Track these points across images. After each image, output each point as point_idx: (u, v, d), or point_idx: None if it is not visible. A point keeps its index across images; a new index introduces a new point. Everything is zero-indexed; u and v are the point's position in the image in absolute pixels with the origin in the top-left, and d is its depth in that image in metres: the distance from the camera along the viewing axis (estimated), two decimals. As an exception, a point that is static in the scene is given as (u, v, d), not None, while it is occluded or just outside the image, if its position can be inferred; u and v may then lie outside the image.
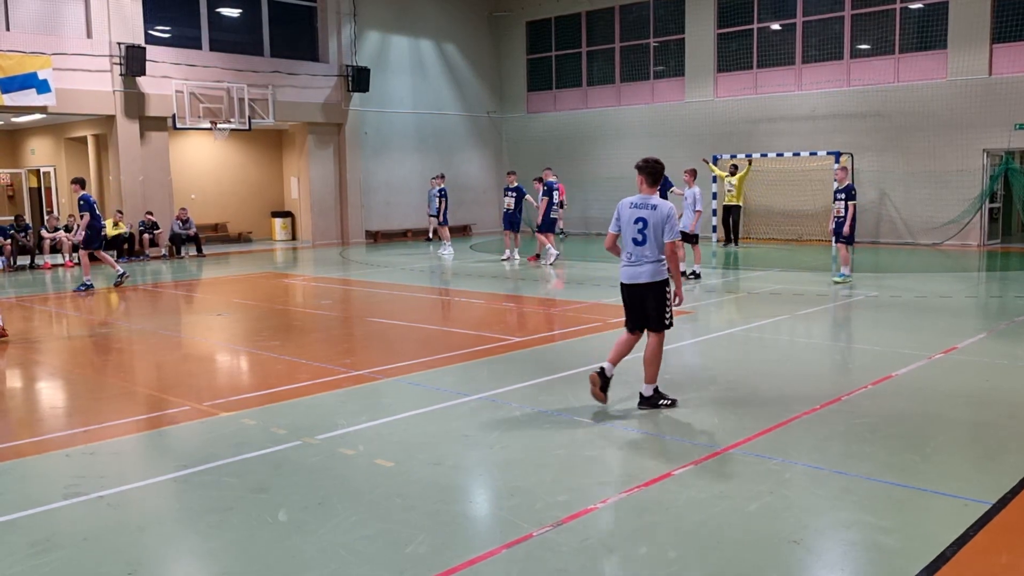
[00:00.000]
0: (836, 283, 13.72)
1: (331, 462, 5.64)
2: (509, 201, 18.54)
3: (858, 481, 5.14)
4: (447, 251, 20.57)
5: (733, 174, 21.78)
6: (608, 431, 6.23)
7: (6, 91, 18.34)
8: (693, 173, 14.84)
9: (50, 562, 4.24)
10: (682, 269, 14.24)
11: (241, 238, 25.55)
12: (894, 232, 21.52)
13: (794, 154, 22.27)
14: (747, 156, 22.51)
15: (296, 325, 11.62)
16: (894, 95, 21.32)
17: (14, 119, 22.05)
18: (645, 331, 6.81)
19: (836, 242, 13.85)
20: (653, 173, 6.63)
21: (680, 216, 14.79)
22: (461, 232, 27.69)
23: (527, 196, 18.94)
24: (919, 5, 21.19)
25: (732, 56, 24.27)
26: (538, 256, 18.37)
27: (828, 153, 21.66)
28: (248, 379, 8.61)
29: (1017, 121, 19.62)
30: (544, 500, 4.88)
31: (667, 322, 6.68)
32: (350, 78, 24.70)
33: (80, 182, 15.26)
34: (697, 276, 14.59)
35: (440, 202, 21.01)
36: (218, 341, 10.65)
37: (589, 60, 27.60)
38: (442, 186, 21.36)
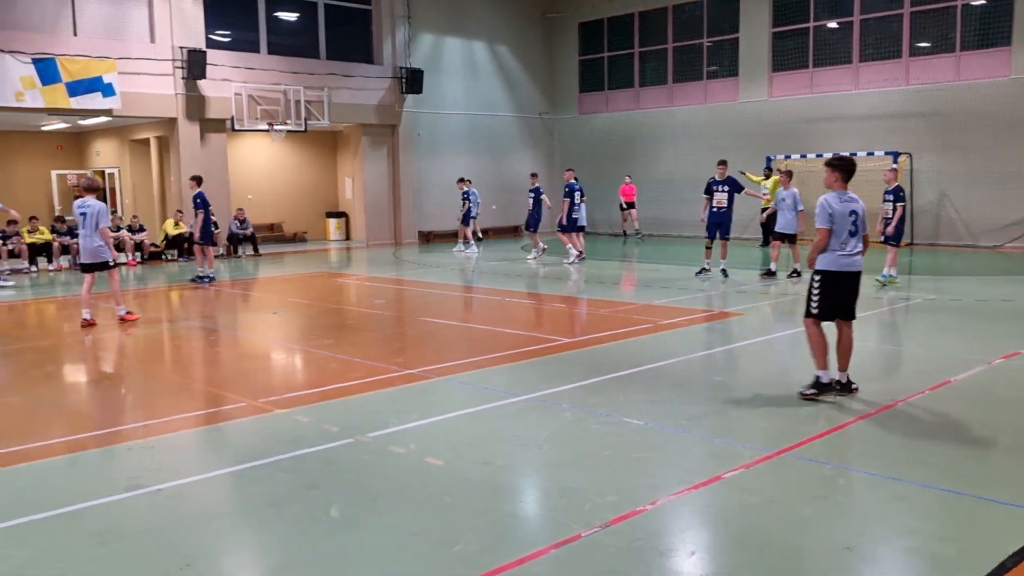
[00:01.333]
0: (879, 283, 13.46)
1: (382, 460, 5.71)
2: (530, 202, 19.36)
3: (914, 488, 5.04)
4: (470, 250, 21.46)
5: (767, 177, 21.45)
6: (657, 432, 6.20)
7: (73, 95, 18.89)
8: (789, 174, 14.70)
9: (112, 552, 4.37)
10: (770, 267, 14.36)
11: (296, 238, 25.94)
12: (954, 234, 21.00)
13: (851, 154, 21.83)
14: (802, 156, 22.15)
15: (349, 324, 11.77)
16: (954, 94, 20.79)
17: (81, 122, 22.71)
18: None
19: (884, 243, 13.66)
20: (849, 170, 7.17)
21: (770, 216, 14.90)
22: (512, 233, 27.74)
23: (543, 196, 19.40)
24: (981, 1, 20.65)
25: (787, 55, 23.91)
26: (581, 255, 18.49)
27: (886, 153, 21.21)
28: (302, 377, 8.75)
29: (1086, 120, 19.01)
30: (593, 501, 4.88)
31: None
32: (404, 80, 24.92)
33: (197, 180, 16.37)
34: (798, 274, 14.47)
35: (464, 204, 22.00)
36: (273, 339, 10.84)
37: (641, 61, 27.44)
38: (470, 188, 22.29)
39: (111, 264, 11.45)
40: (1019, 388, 7.40)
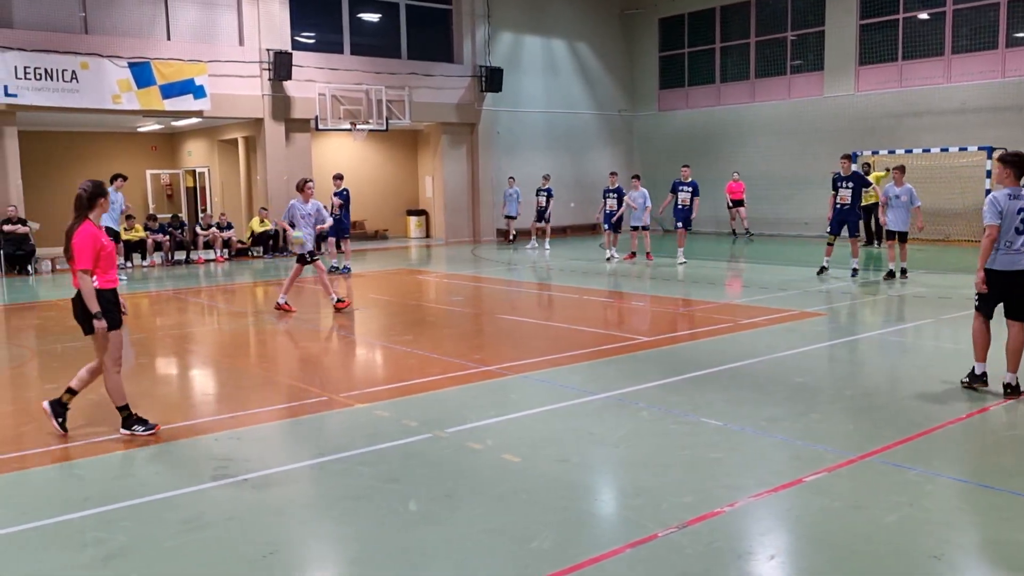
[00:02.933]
0: None
1: (459, 455, 5.77)
2: (611, 203, 18.71)
3: (1007, 497, 4.85)
4: (546, 249, 21.53)
5: (867, 174, 20.79)
6: (736, 433, 6.11)
7: (166, 97, 19.60)
8: (902, 169, 14.19)
9: (200, 539, 4.54)
10: (890, 268, 14.02)
11: (377, 235, 26.36)
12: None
13: (942, 150, 21.10)
14: (890, 152, 21.47)
15: (428, 320, 11.92)
16: (1056, 86, 19.88)
17: (173, 123, 23.54)
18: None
19: None
20: (1021, 166, 6.93)
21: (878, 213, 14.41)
22: (591, 231, 27.64)
23: (626, 197, 18.77)
24: (1087, -12, 19.69)
25: (875, 48, 23.20)
26: (634, 254, 18.38)
27: (979, 148, 20.41)
28: (382, 372, 8.90)
29: None
30: (669, 501, 4.85)
31: None
32: (483, 78, 25.07)
33: (340, 177, 18.03)
34: (899, 275, 14.05)
35: (546, 202, 22.26)
36: (355, 335, 11.05)
37: (723, 56, 27.01)
38: (548, 186, 22.50)
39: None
40: (1123, 394, 7.04)
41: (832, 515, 4.66)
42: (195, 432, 6.51)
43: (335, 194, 17.74)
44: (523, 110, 26.46)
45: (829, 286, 13.73)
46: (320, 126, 22.18)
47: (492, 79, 25.00)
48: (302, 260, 12.32)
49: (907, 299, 12.42)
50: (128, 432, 6.34)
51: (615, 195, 18.68)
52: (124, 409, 6.38)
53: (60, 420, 6.38)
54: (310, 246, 12.32)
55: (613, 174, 19.69)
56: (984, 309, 7.19)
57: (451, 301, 13.88)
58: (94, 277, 6.21)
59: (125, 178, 17.02)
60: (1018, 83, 20.46)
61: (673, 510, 4.71)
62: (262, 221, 21.56)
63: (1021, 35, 20.72)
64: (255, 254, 21.65)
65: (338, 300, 12.23)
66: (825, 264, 14.90)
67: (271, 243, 21.68)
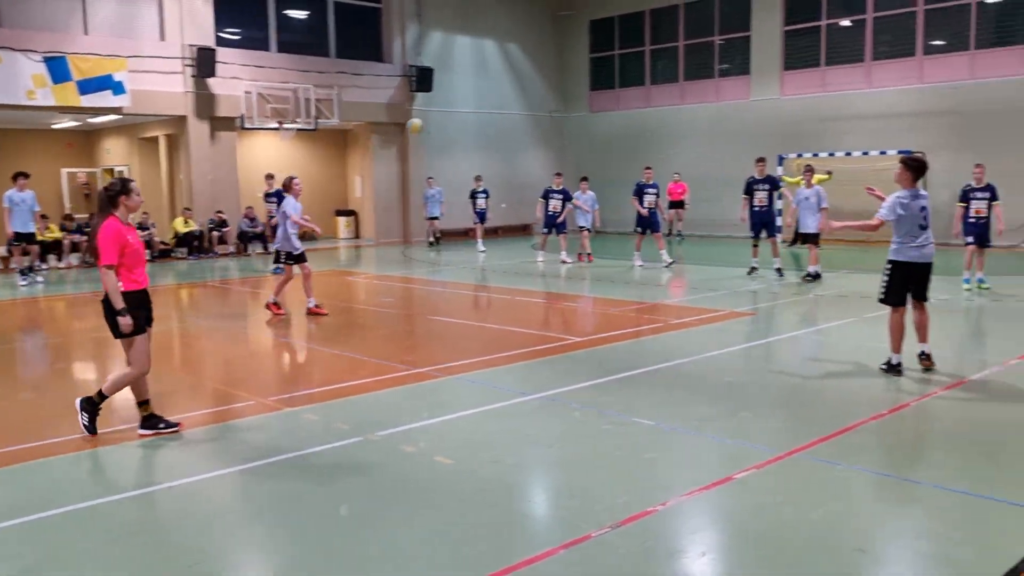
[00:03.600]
0: (985, 289, 12.87)
1: (391, 459, 5.70)
2: (555, 204, 18.38)
3: (928, 489, 5.00)
4: (482, 250, 21.42)
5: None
6: (668, 433, 6.17)
7: (84, 92, 18.94)
8: (811, 171, 14.49)
9: (124, 549, 4.37)
10: (810, 271, 14.19)
11: (306, 236, 25.90)
12: (968, 233, 20.86)
13: (863, 153, 21.74)
14: (814, 155, 22.02)
15: (358, 322, 11.77)
16: (970, 93, 20.65)
17: (91, 120, 22.76)
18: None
19: (980, 246, 12.83)
20: (921, 169, 7.69)
21: (793, 215, 14.66)
22: (521, 232, 27.72)
23: (574, 200, 18.51)
24: (997, -1, 20.52)
25: (799, 53, 23.80)
26: (591, 255, 18.24)
27: (899, 152, 21.07)
28: (311, 375, 8.74)
29: (1101, 119, 18.85)
30: (603, 501, 4.86)
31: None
32: (414, 78, 24.91)
33: (273, 176, 18.18)
34: (817, 277, 14.25)
35: (485, 203, 22.19)
36: (282, 337, 10.84)
37: (653, 58, 27.37)
38: (483, 187, 22.43)
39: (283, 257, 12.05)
40: (1034, 389, 7.33)
41: (761, 511, 4.72)
42: (118, 439, 6.29)
43: (268, 195, 17.52)
44: (454, 110, 26.38)
45: (757, 286, 14.01)
46: (246, 125, 21.72)
47: (423, 79, 24.86)
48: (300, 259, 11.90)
49: (831, 299, 12.74)
50: (151, 433, 6.24)
51: (560, 196, 18.39)
52: (99, 396, 6.26)
53: (162, 425, 6.32)
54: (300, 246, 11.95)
55: (558, 175, 19.42)
56: (894, 300, 7.75)
57: (381, 302, 13.74)
58: (119, 277, 6.14)
59: (27, 176, 15.75)
60: (934, 89, 21.22)
61: (607, 510, 4.72)
62: (186, 222, 21.03)
63: (938, 43, 21.48)
64: (179, 255, 21.10)
65: (275, 303, 11.85)
66: (754, 264, 15.21)
67: (196, 244, 21.16)
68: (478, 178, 22.70)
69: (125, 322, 6.11)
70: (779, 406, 6.96)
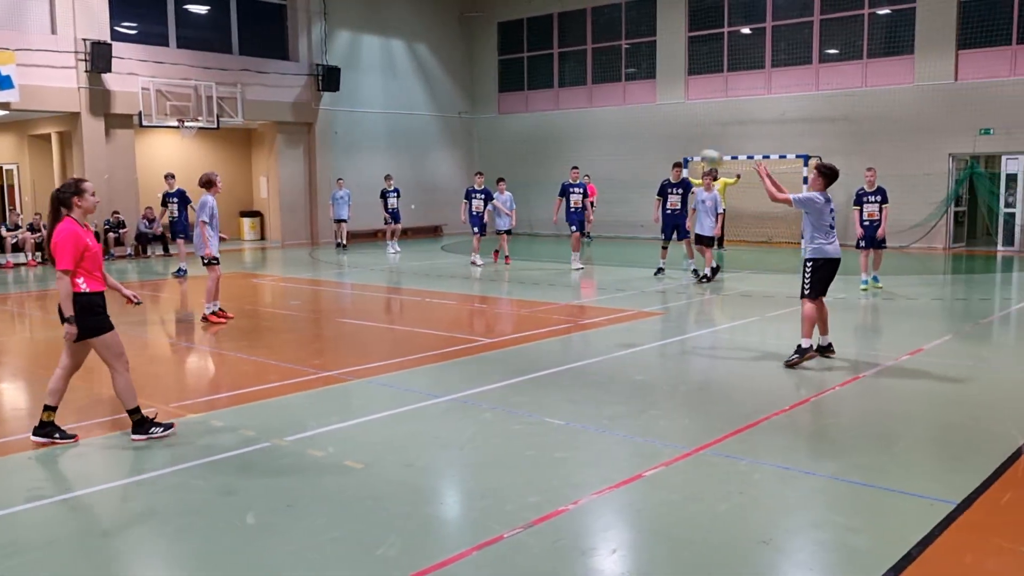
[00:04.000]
0: (879, 288, 13.41)
1: (301, 464, 5.59)
2: (477, 204, 18.05)
3: (827, 481, 5.18)
4: (396, 251, 21.29)
5: (715, 179, 21.65)
6: (579, 432, 6.22)
7: (-32, 87, 18.00)
8: (714, 175, 14.76)
9: (14, 567, 4.15)
10: (702, 271, 14.53)
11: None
12: (862, 235, 21.74)
13: (764, 156, 22.40)
14: (732, 158, 22.56)
15: (265, 326, 11.51)
16: (862, 99, 21.58)
17: (-24, 115, 21.67)
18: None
19: (873, 248, 13.36)
20: (833, 176, 8.38)
21: (692, 219, 14.89)
22: (432, 233, 27.63)
23: (494, 201, 18.16)
24: (887, 11, 21.47)
25: (703, 59, 24.43)
26: (506, 257, 18.05)
27: (797, 156, 21.86)
28: (217, 380, 8.50)
29: (982, 126, 19.93)
30: (515, 502, 4.86)
31: None
32: (320, 77, 24.54)
33: (174, 176, 17.62)
34: (710, 277, 14.51)
35: (396, 203, 21.90)
36: (185, 342, 10.52)
37: (561, 61, 27.65)
38: (395, 186, 22.11)
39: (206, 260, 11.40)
40: (923, 383, 7.68)
41: (670, 507, 4.81)
42: (6, 451, 5.99)
43: (168, 195, 17.20)
44: (362, 110, 26.11)
45: (665, 286, 14.29)
46: (144, 122, 21.01)
47: (329, 78, 24.52)
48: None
49: (735, 298, 13.09)
50: (144, 437, 6.09)
51: (482, 196, 18.06)
52: (135, 412, 6.15)
53: (58, 435, 6.07)
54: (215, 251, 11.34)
55: (479, 174, 19.02)
56: (817, 294, 8.37)
57: (289, 306, 13.47)
58: (81, 279, 5.91)
59: None
60: (830, 96, 22.07)
61: (519, 510, 4.73)
62: (81, 222, 20.17)
63: (833, 52, 22.35)
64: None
65: (218, 310, 11.29)
66: (661, 266, 15.51)
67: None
68: (388, 177, 22.40)
69: (71, 331, 5.91)
70: (687, 403, 7.12)
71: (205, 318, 11.19)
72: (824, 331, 8.54)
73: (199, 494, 5.07)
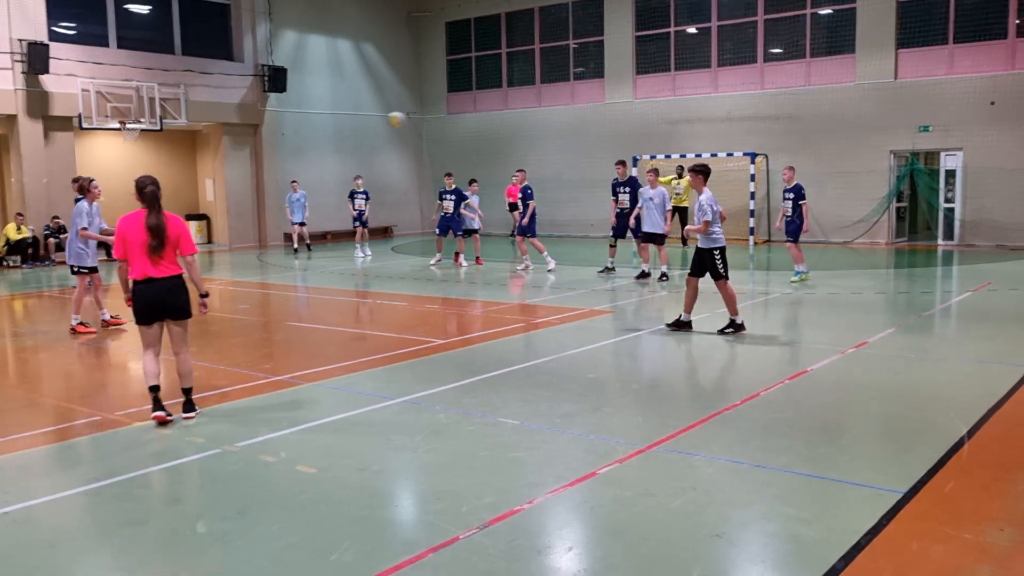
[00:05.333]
0: (794, 282, 13.81)
1: (252, 469, 5.50)
2: (448, 204, 17.81)
3: (777, 474, 5.25)
4: (367, 254, 20.57)
5: (680, 176, 21.74)
6: (533, 432, 6.23)
7: (-102, 89, 17.41)
8: (656, 172, 14.69)
9: (-50, 584, 4.02)
10: (648, 270, 14.65)
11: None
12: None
13: (711, 155, 22.69)
14: (666, 156, 22.83)
15: (213, 330, 11.31)
16: (805, 98, 21.95)
17: (-93, 118, 20.97)
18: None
19: (792, 241, 14.02)
20: (708, 173, 9.94)
21: (637, 216, 14.71)
22: (383, 234, 27.46)
23: (468, 200, 17.99)
24: (828, 11, 21.87)
25: (650, 58, 24.64)
26: (459, 255, 17.83)
27: (744, 154, 22.17)
28: (163, 386, 8.33)
29: (921, 123, 20.42)
30: (470, 503, 4.85)
31: None
32: (266, 78, 24.24)
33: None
34: (666, 275, 14.56)
35: (365, 204, 20.97)
36: (130, 348, 10.29)
37: (509, 61, 27.68)
38: (364, 188, 21.22)
39: (75, 269, 11.01)
40: (868, 376, 7.84)
41: (624, 504, 4.84)
42: (-58, 464, 5.79)
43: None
44: (309, 111, 25.85)
45: (614, 285, 14.37)
46: (84, 124, 20.54)
47: (275, 79, 24.23)
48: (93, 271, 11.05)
49: (682, 296, 13.20)
50: (195, 414, 6.67)
51: (452, 197, 17.81)
52: (191, 392, 6.74)
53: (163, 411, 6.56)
54: (91, 261, 10.96)
55: (449, 175, 18.61)
56: (727, 274, 9.82)
57: (237, 309, 13.27)
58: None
59: None
60: (774, 94, 22.41)
61: (474, 511, 4.72)
62: (19, 228, 19.67)
63: (777, 51, 22.70)
64: (12, 264, 19.71)
65: (79, 323, 10.88)
66: (609, 264, 15.59)
67: (30, 251, 19.82)
68: (357, 178, 21.52)
69: (207, 304, 6.91)
70: (639, 401, 7.17)
71: (73, 330, 10.82)
72: (733, 311, 9.84)
73: (145, 504, 4.97)
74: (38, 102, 19.94)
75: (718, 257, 9.74)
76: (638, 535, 4.43)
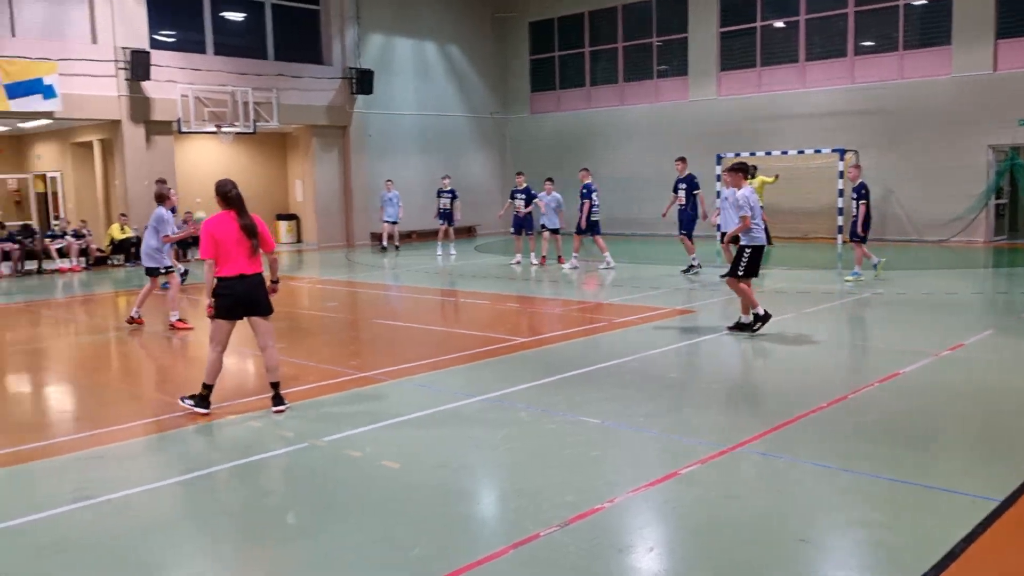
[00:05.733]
0: (848, 281, 13.65)
1: (338, 464, 5.65)
2: (519, 203, 17.96)
3: (865, 479, 5.13)
4: (452, 253, 20.87)
5: (753, 176, 21.46)
6: (614, 431, 6.22)
7: (12, 97, 18.38)
8: (742, 172, 14.63)
9: (60, 565, 4.26)
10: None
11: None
12: (900, 229, 21.42)
13: (798, 152, 22.22)
14: (751, 154, 22.40)
15: (303, 327, 11.63)
16: (898, 92, 21.26)
17: (20, 125, 22.13)
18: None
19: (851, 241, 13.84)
20: (747, 170, 10.01)
21: (703, 213, 15.33)
22: (466, 233, 27.71)
23: (536, 200, 17.97)
24: (923, 1, 21.13)
25: (735, 54, 24.23)
26: (545, 259, 17.84)
27: (832, 151, 21.61)
28: (254, 382, 8.61)
29: (1021, 116, 19.54)
30: (551, 500, 4.88)
31: None
32: (354, 80, 24.73)
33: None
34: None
35: (451, 204, 21.31)
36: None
37: (592, 60, 27.59)
38: (451, 187, 21.62)
39: (159, 271, 11.50)
40: (964, 379, 7.57)
41: (706, 505, 4.80)
42: (52, 452, 6.13)
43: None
44: (395, 113, 26.26)
45: (697, 284, 14.20)
46: (183, 129, 21.33)
47: (363, 81, 24.69)
48: (155, 273, 11.49)
49: (769, 295, 12.97)
50: (285, 408, 6.88)
51: (523, 196, 17.95)
52: (278, 386, 6.95)
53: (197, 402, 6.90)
54: (152, 261, 11.41)
55: (520, 174, 18.93)
56: (751, 274, 9.69)
57: (325, 307, 13.60)
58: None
59: None
60: (865, 89, 21.77)
61: (554, 509, 4.74)
62: (122, 228, 20.56)
63: (868, 44, 22.05)
64: (116, 263, 20.61)
65: (178, 319, 11.27)
66: (692, 261, 15.46)
67: (133, 250, 20.67)
68: (444, 177, 21.97)
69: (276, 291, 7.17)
70: (721, 401, 7.08)
71: (172, 326, 11.21)
72: (755, 304, 9.67)
73: (238, 495, 5.16)
74: (140, 108, 20.81)
75: (746, 255, 9.56)
76: (720, 537, 4.38)
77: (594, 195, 16.83)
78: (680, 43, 25.29)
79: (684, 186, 15.43)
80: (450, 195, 21.38)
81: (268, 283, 7.05)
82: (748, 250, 9.57)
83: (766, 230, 19.89)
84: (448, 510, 4.83)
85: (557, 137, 27.96)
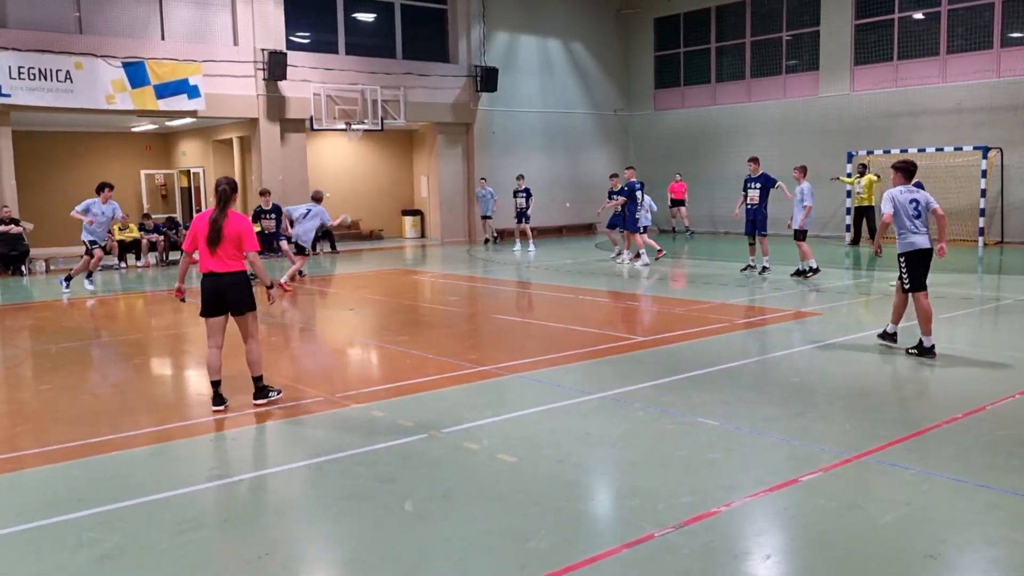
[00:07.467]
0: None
1: (456, 455, 5.77)
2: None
3: (1004, 496, 4.86)
4: (530, 250, 21.44)
5: (862, 175, 20.82)
6: (732, 434, 6.11)
7: (160, 97, 19.55)
8: (803, 170, 14.47)
9: (195, 539, 4.52)
10: (801, 267, 14.20)
11: (372, 235, 26.32)
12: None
13: (937, 149, 21.13)
14: (885, 152, 21.46)
15: (424, 320, 11.90)
16: (1050, 86, 19.92)
17: (168, 123, 23.49)
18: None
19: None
20: (910, 171, 8.71)
21: (790, 214, 14.83)
22: (586, 231, 27.67)
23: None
24: (1080, -11, 19.75)
25: (870, 48, 23.24)
26: (638, 254, 17.74)
27: (975, 148, 20.46)
28: (377, 372, 8.88)
29: None
30: (666, 501, 4.84)
31: None
32: (479, 78, 25.06)
33: (268, 192, 17.30)
34: (810, 271, 14.41)
35: (525, 203, 21.83)
36: (349, 335, 11.02)
37: (718, 56, 27.03)
38: (524, 186, 22.04)
39: (306, 251, 15.48)
40: (1118, 393, 7.05)
41: (828, 515, 4.65)
42: (190, 433, 6.50)
43: (265, 212, 16.39)
44: (519, 110, 26.45)
45: (821, 286, 13.73)
46: (315, 126, 22.16)
47: (488, 79, 24.99)
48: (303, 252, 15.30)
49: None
50: (265, 401, 7.08)
51: (626, 193, 17.85)
52: (261, 379, 7.15)
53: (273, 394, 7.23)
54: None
55: (614, 176, 19.26)
56: (917, 286, 8.65)
57: (446, 301, 13.87)
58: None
59: (112, 187, 15.06)
60: (1013, 83, 20.51)
61: (670, 510, 4.71)
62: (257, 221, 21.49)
63: (1016, 35, 20.76)
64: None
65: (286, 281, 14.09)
66: (751, 263, 15.49)
67: (268, 244, 21.57)
68: (519, 177, 22.39)
69: (274, 293, 7.44)
70: (848, 408, 6.83)
71: (281, 285, 13.78)
72: (926, 330, 8.52)
73: (360, 480, 5.33)
74: (276, 106, 21.73)
75: (903, 264, 8.66)
76: (843, 549, 4.25)
77: (638, 193, 17.22)
78: (811, 37, 24.47)
79: (758, 185, 15.23)
80: (525, 194, 21.81)
81: (265, 287, 7.26)
82: (903, 258, 8.67)
83: (871, 229, 19.27)
84: (563, 505, 4.86)
85: (681, 134, 27.54)
